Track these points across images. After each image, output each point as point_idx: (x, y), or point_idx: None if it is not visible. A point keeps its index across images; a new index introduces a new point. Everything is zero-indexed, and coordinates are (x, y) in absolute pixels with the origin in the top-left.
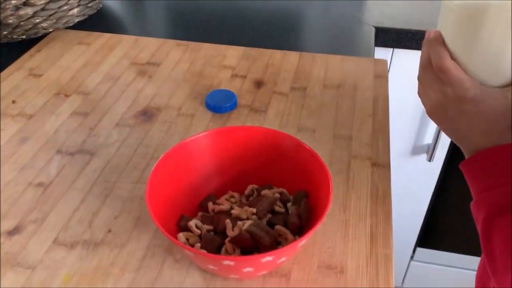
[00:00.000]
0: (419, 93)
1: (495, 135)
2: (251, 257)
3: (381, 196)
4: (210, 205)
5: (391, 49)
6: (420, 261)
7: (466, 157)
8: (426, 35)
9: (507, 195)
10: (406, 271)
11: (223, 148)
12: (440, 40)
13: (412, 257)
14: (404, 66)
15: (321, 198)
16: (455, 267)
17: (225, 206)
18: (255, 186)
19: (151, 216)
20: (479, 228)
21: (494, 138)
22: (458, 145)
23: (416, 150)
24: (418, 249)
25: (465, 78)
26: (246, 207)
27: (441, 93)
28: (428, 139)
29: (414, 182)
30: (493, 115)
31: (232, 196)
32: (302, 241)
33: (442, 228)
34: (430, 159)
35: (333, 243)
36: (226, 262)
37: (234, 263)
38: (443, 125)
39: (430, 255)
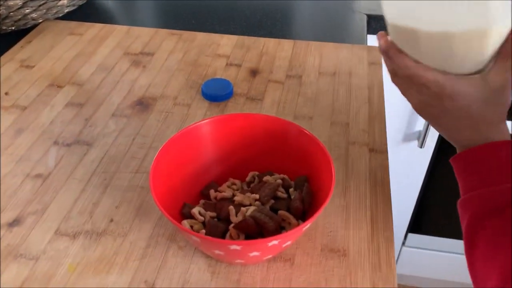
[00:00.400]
0: (402, 94)
1: (483, 129)
2: (258, 241)
3: (379, 180)
4: (212, 192)
5: None
6: (412, 247)
7: (457, 151)
8: (378, 43)
9: (493, 196)
10: (398, 257)
11: (223, 136)
12: (394, 49)
13: (403, 243)
14: None
15: (323, 182)
16: (446, 252)
17: (227, 193)
18: (256, 173)
19: (156, 204)
20: (463, 227)
21: (483, 133)
22: (450, 141)
23: (407, 137)
24: (410, 235)
25: (437, 77)
26: (249, 194)
27: (420, 93)
28: (419, 126)
29: (405, 169)
30: (476, 106)
31: (234, 183)
32: (308, 225)
33: (433, 214)
34: (421, 145)
35: (334, 227)
36: (233, 247)
37: (241, 248)
38: (432, 123)
39: (422, 241)
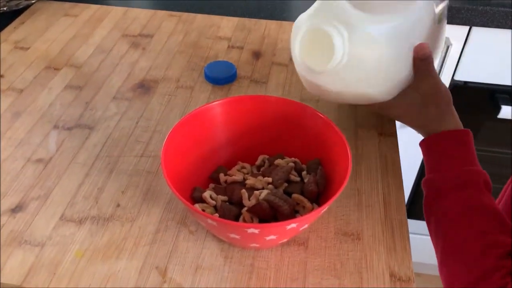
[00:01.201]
0: None
1: (430, 125)
2: (276, 224)
3: (390, 164)
4: (222, 176)
5: None
6: (410, 233)
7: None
8: None
9: (443, 180)
10: None
11: (233, 118)
12: None
13: None
14: None
15: (336, 166)
16: None
17: (238, 176)
18: (266, 156)
19: (170, 187)
20: (423, 202)
21: (432, 127)
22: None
23: None
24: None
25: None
26: (261, 177)
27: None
28: None
29: (401, 154)
30: (415, 109)
31: (243, 167)
32: (326, 208)
33: None
34: None
35: (347, 211)
36: (251, 230)
37: (259, 231)
38: (400, 121)
39: (419, 226)
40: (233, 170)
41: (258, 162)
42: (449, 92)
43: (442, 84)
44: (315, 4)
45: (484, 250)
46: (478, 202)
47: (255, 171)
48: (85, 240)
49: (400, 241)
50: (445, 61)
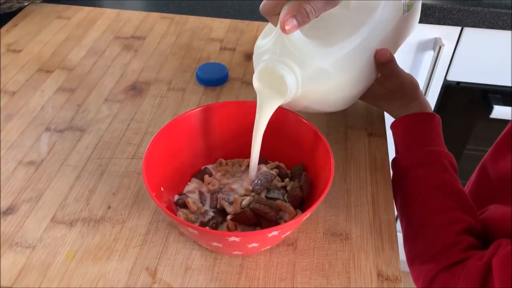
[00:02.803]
0: None
1: (397, 112)
2: (257, 232)
3: (379, 164)
4: (207, 177)
5: None
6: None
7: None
8: None
9: (407, 159)
10: None
11: (216, 123)
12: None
13: None
14: None
15: (321, 171)
16: None
17: (221, 182)
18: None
19: (152, 199)
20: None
21: (399, 112)
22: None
23: None
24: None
25: None
26: (244, 185)
27: None
28: None
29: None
30: (383, 100)
31: (227, 171)
32: (307, 215)
33: None
34: None
35: (336, 211)
36: (232, 239)
37: (240, 239)
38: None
39: None
40: (218, 175)
41: (243, 167)
42: (415, 80)
43: (406, 77)
44: (270, 36)
45: (443, 226)
46: (440, 181)
47: (237, 168)
48: (75, 241)
49: (388, 241)
50: (437, 61)
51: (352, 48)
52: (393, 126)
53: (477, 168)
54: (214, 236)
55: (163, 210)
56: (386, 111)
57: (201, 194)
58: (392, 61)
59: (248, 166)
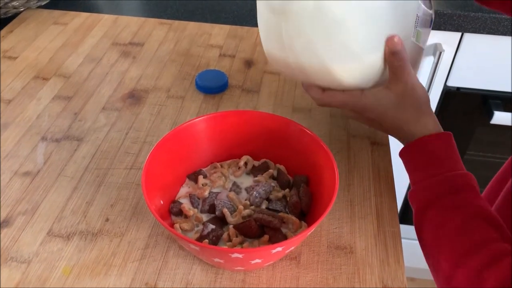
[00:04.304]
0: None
1: (405, 128)
2: (261, 249)
3: (383, 174)
4: (201, 178)
5: None
6: (403, 238)
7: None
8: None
9: (431, 189)
10: None
11: (218, 134)
12: (305, 85)
13: None
14: None
15: (324, 183)
16: None
17: (217, 187)
18: (250, 158)
19: (155, 217)
20: (413, 217)
21: (409, 130)
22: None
23: None
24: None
25: (345, 99)
26: (242, 200)
27: (345, 110)
28: None
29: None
30: (390, 111)
31: (216, 167)
32: (311, 230)
33: None
34: None
35: (340, 223)
36: (235, 255)
37: (244, 256)
38: (371, 127)
39: (412, 231)
40: (213, 176)
41: (241, 162)
42: (426, 92)
43: (419, 83)
44: None
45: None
46: (477, 209)
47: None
48: (73, 256)
49: (393, 254)
50: (437, 67)
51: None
52: (408, 151)
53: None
54: (216, 252)
55: (167, 228)
56: (392, 130)
57: (192, 197)
58: (402, 53)
59: (245, 165)
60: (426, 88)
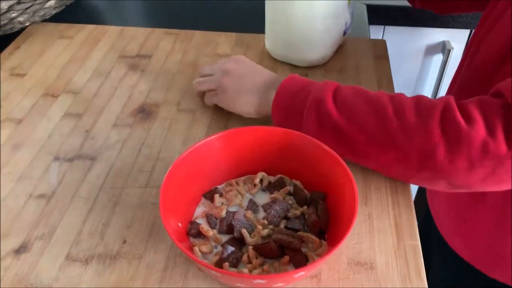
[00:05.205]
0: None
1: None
2: (283, 274)
3: (400, 185)
4: (217, 197)
5: (382, 26)
6: None
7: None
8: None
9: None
10: None
11: (233, 151)
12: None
13: None
14: (395, 42)
15: (343, 201)
16: None
17: (234, 207)
18: (265, 174)
19: (175, 244)
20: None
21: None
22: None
23: None
24: None
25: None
26: (260, 220)
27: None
28: None
29: None
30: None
31: (231, 184)
32: (334, 251)
33: None
34: None
35: (359, 238)
36: (257, 281)
37: (266, 281)
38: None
39: None
40: (229, 194)
41: (257, 180)
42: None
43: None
44: None
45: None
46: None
47: (249, 185)
48: (92, 280)
49: (414, 269)
50: (447, 64)
51: None
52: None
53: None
54: (238, 278)
55: (188, 255)
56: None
57: (209, 218)
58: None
59: (261, 181)
60: (435, 86)
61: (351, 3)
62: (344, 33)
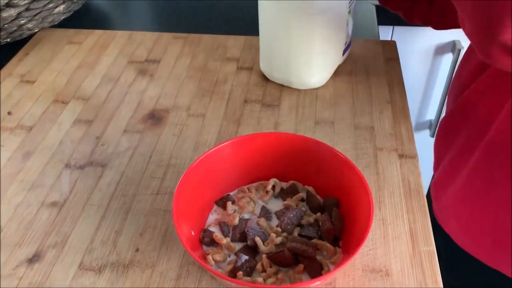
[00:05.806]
0: None
1: None
2: (299, 285)
3: (414, 189)
4: (229, 204)
5: (391, 26)
6: None
7: None
8: None
9: None
10: None
11: (245, 157)
12: None
13: None
14: (405, 43)
15: (357, 207)
16: None
17: (246, 209)
18: (277, 180)
19: (190, 254)
20: None
21: None
22: None
23: (419, 126)
24: None
25: None
26: (273, 227)
27: None
28: (431, 115)
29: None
30: None
31: (243, 191)
32: (350, 260)
33: None
34: (433, 134)
35: (374, 244)
36: None
37: None
38: None
39: None
40: (242, 201)
41: (269, 186)
42: None
43: None
44: None
45: None
46: None
47: (261, 192)
48: None
49: (430, 276)
50: (457, 64)
51: None
52: None
53: None
54: None
55: (203, 265)
56: None
57: (221, 225)
58: None
59: (273, 188)
60: (445, 85)
61: (350, 20)
62: (344, 52)
